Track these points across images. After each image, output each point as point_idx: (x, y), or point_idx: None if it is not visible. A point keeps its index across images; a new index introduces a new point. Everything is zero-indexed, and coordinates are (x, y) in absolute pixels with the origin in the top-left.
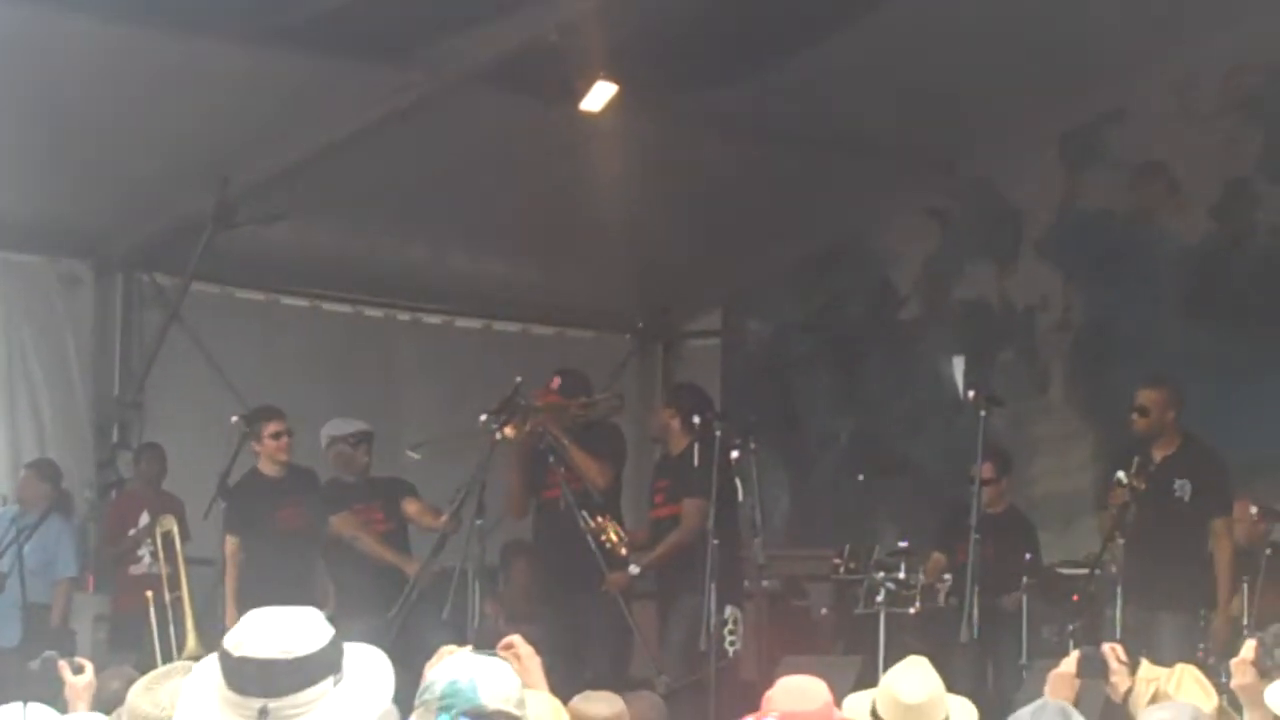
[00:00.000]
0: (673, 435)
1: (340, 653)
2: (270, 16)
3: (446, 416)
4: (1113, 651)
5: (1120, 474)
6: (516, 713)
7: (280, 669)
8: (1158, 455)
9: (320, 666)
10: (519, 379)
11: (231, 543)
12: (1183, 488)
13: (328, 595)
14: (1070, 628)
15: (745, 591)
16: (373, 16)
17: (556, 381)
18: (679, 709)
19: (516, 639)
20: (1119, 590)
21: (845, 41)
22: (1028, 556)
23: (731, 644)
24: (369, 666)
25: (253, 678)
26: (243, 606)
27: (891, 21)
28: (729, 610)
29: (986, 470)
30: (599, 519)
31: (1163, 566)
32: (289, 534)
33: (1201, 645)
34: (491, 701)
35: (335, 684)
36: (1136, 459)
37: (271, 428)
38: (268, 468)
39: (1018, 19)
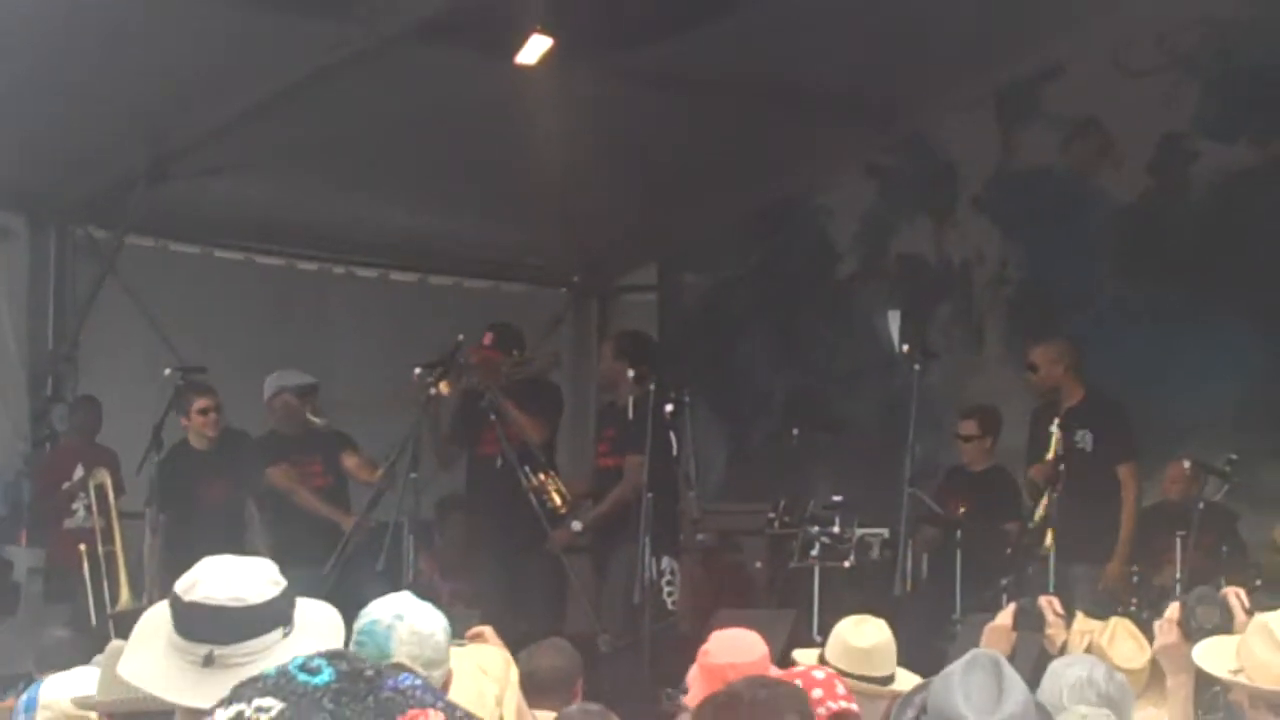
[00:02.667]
0: (622, 385)
1: (292, 605)
2: None
3: (381, 370)
4: (1049, 604)
5: (1054, 426)
6: (421, 671)
7: (230, 616)
8: (1063, 409)
9: (270, 617)
10: (460, 337)
11: (156, 517)
12: (1084, 438)
13: (258, 554)
14: (1003, 582)
15: (680, 545)
16: None
17: (489, 337)
18: (616, 663)
19: (487, 631)
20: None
21: None
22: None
23: (670, 594)
24: (320, 621)
25: (202, 623)
26: (166, 581)
27: None
28: (665, 562)
29: (970, 426)
30: (541, 476)
31: (1071, 519)
32: (214, 508)
33: (1134, 598)
34: (398, 656)
35: (284, 635)
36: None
37: (199, 404)
38: (196, 441)
39: None
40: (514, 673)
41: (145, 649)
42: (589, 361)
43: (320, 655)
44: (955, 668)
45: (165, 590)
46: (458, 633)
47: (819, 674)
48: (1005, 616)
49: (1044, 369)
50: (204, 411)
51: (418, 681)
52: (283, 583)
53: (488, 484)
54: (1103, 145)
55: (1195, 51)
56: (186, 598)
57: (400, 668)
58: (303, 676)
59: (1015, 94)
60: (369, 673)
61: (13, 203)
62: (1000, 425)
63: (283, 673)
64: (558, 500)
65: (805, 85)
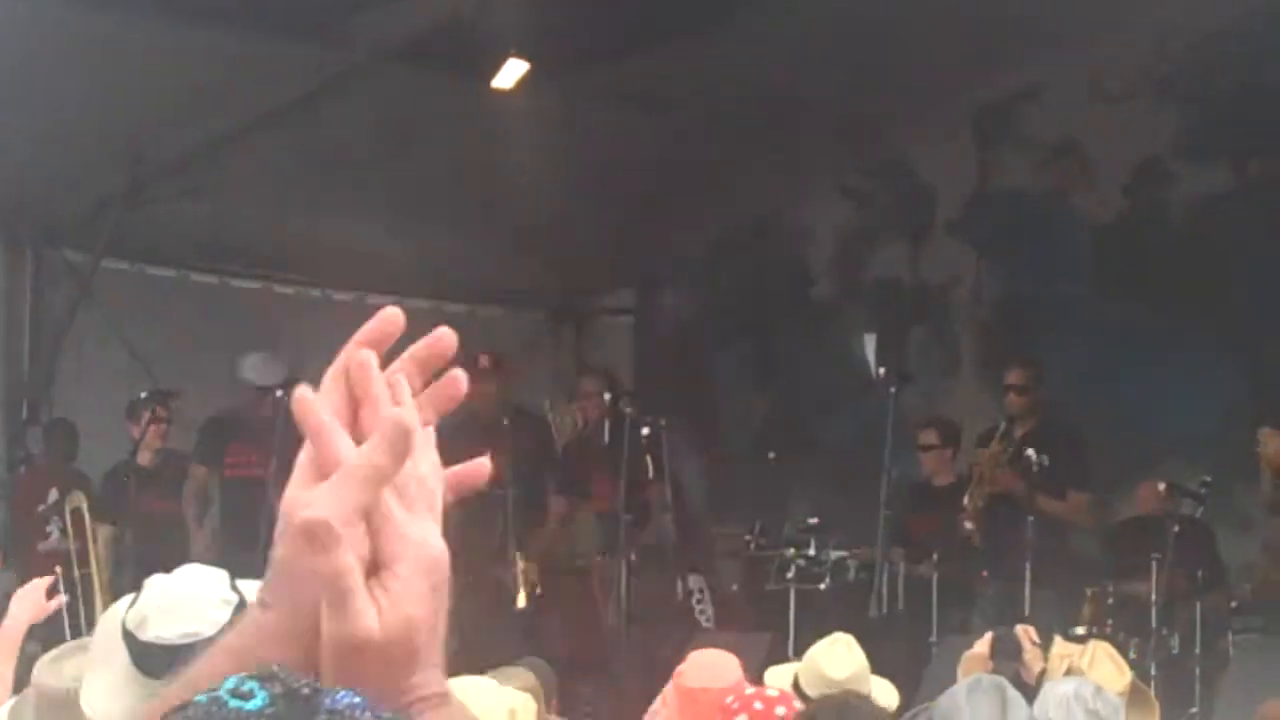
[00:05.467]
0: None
1: None
2: None
3: None
4: (1025, 633)
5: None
6: None
7: (186, 653)
8: (1018, 432)
9: None
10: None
11: (103, 531)
12: (1041, 460)
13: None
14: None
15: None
16: None
17: (485, 359)
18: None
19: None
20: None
21: (759, 17)
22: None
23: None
24: None
25: (159, 661)
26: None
27: None
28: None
29: (930, 436)
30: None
31: (1019, 540)
32: (159, 521)
33: (1110, 620)
34: None
35: None
36: (1000, 429)
37: (145, 415)
38: (143, 456)
39: None
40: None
41: (103, 680)
42: (564, 385)
43: (253, 677)
44: (959, 690)
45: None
46: None
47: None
48: (982, 645)
49: (1031, 391)
50: (154, 422)
51: (356, 699)
52: (234, 599)
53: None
54: (1079, 168)
55: (1172, 74)
56: (140, 637)
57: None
58: (234, 703)
59: (992, 116)
60: (305, 691)
61: None
62: (960, 436)
63: (214, 699)
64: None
65: (781, 106)
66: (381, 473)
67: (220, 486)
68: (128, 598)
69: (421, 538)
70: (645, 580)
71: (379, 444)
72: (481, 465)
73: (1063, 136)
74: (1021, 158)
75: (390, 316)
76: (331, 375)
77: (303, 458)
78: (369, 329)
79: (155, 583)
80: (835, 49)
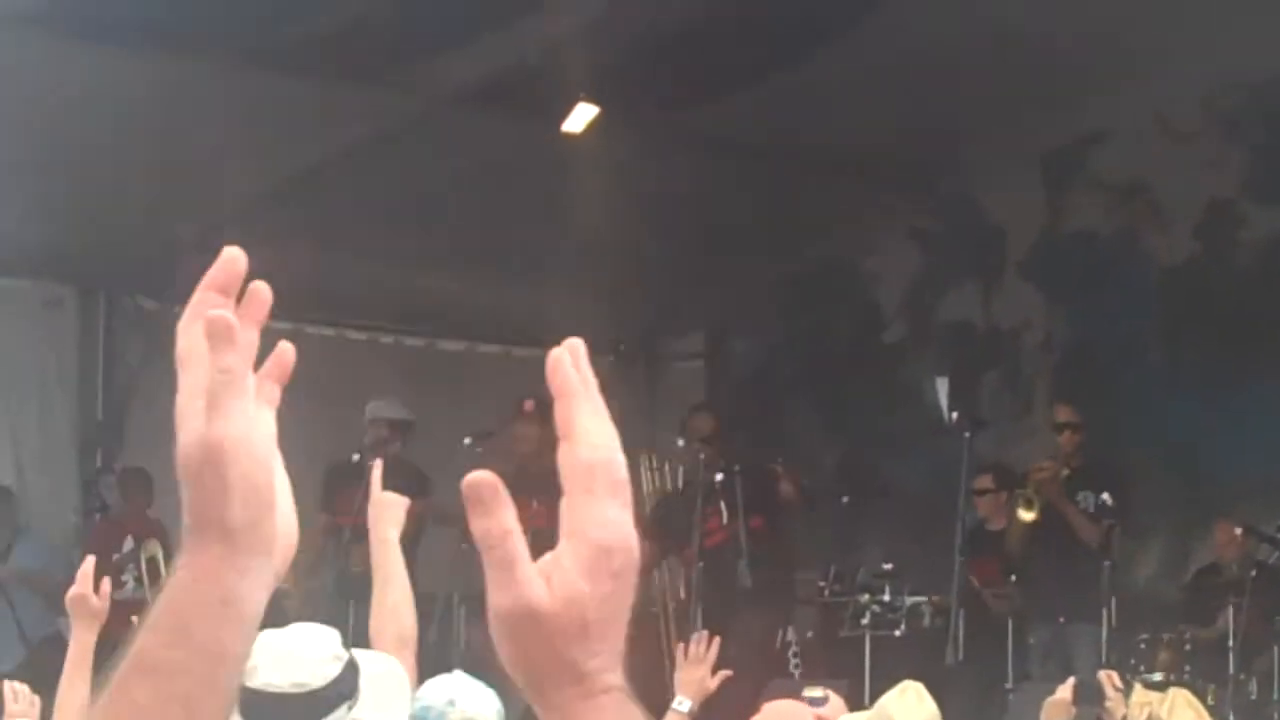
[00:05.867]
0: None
1: (355, 675)
2: (255, 41)
3: (429, 439)
4: (1108, 678)
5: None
6: None
7: (294, 703)
8: (1065, 470)
9: (334, 697)
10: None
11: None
12: (1086, 499)
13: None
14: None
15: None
16: (356, 40)
17: (530, 404)
18: None
19: None
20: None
21: (827, 61)
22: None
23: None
24: (384, 681)
25: (267, 710)
26: None
27: (874, 42)
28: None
29: (985, 481)
30: None
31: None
32: None
33: (1187, 666)
34: None
35: (349, 709)
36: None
37: None
38: None
39: (1000, 39)
40: None
41: None
42: (635, 430)
43: None
44: None
45: None
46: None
47: None
48: (1065, 691)
49: (1082, 428)
50: None
51: None
52: (344, 655)
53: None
54: (1149, 209)
55: (1240, 114)
56: (248, 683)
57: None
58: None
59: (1061, 158)
60: None
61: (61, 273)
62: (1015, 481)
63: None
64: None
65: (850, 150)
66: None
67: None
68: None
69: (608, 519)
70: (725, 628)
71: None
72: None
73: (1132, 178)
74: (1091, 199)
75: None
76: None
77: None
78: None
79: (266, 635)
80: (904, 93)
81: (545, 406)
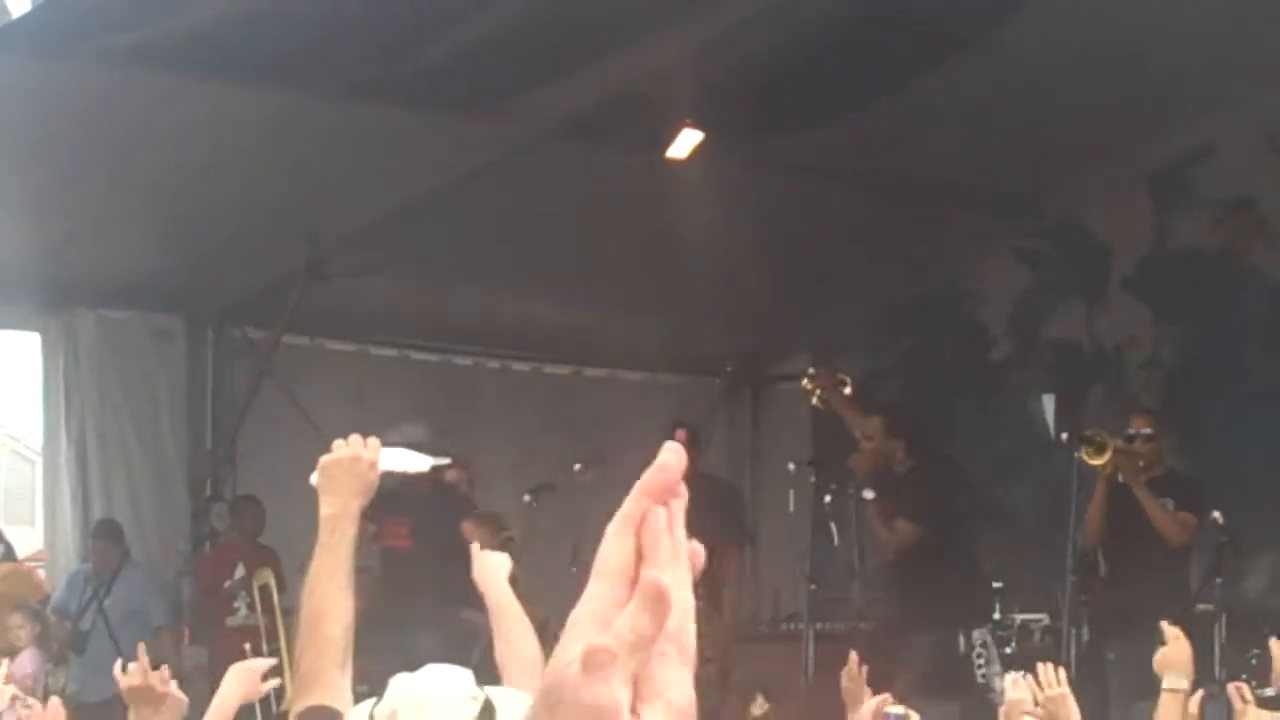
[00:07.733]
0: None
1: (492, 715)
2: (359, 72)
3: (534, 462)
4: (1238, 691)
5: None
6: None
7: None
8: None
9: None
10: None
11: None
12: (1165, 505)
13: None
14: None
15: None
16: (460, 70)
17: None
18: None
19: None
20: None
21: (930, 84)
22: None
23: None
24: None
25: None
26: None
27: (976, 63)
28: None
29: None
30: None
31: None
32: None
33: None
34: None
35: None
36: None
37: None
38: None
39: (1103, 57)
40: None
41: None
42: (742, 451)
43: None
44: None
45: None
46: None
47: None
48: (1193, 705)
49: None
50: None
51: None
52: (480, 695)
53: None
54: (1256, 226)
55: None
56: None
57: None
58: None
59: (1167, 175)
60: None
61: (171, 304)
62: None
63: None
64: None
65: (954, 171)
66: (645, 640)
67: (378, 556)
68: (368, 702)
69: (674, 681)
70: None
71: (639, 609)
72: (695, 554)
73: (1238, 193)
74: (1197, 216)
75: (668, 465)
76: (621, 522)
77: (582, 611)
78: (652, 481)
79: (401, 680)
80: (1008, 111)
81: (696, 435)
